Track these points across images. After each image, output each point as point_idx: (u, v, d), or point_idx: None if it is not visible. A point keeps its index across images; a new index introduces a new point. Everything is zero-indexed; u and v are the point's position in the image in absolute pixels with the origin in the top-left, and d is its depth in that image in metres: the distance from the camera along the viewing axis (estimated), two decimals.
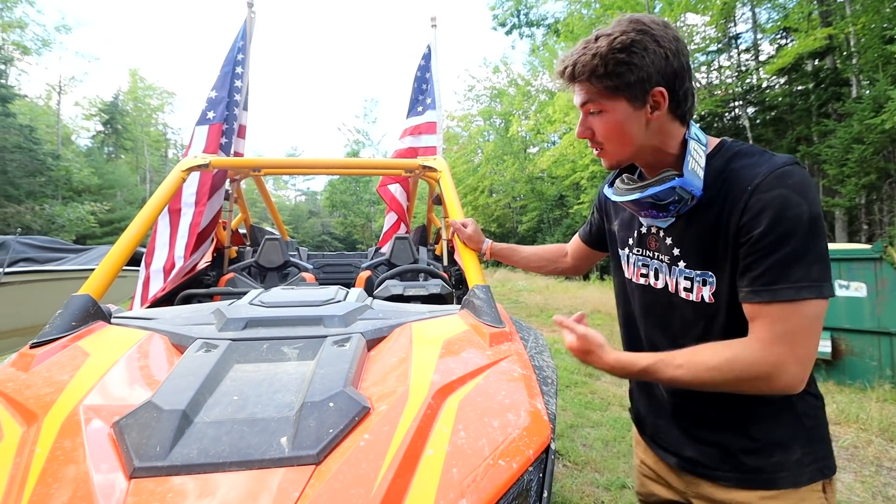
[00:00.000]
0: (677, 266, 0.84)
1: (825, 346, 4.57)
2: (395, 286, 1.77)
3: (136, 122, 31.33)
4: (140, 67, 47.65)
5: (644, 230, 0.91)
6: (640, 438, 1.01)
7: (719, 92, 13.41)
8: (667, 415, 0.89)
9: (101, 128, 29.75)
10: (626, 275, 0.97)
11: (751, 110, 13.15)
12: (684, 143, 0.81)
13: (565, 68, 0.80)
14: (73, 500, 0.55)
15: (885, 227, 9.85)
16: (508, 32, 17.86)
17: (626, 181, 0.88)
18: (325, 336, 0.99)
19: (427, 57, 3.58)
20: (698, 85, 14.28)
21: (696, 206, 0.79)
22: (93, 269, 1.30)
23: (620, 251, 0.99)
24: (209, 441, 0.64)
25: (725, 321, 0.77)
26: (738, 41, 14.02)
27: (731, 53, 14.33)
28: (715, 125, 13.88)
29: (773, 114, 12.93)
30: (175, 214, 2.39)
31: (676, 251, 0.83)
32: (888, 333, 4.28)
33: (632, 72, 0.75)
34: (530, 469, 0.68)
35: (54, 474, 0.59)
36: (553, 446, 0.74)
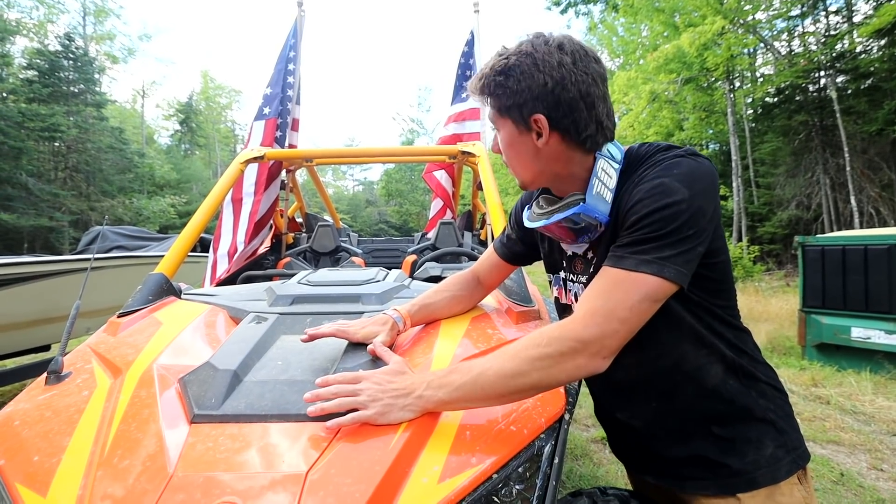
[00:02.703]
0: None
1: None
2: (434, 268, 1.83)
3: (208, 120, 33.84)
4: (210, 69, 51.14)
5: (570, 252, 0.89)
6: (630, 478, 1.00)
7: (802, 61, 12.08)
8: (640, 440, 0.87)
9: (178, 127, 32.46)
10: (557, 296, 0.96)
11: (840, 79, 11.76)
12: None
13: (472, 85, 0.81)
14: (146, 437, 0.67)
15: None
16: (563, 11, 17.18)
17: (541, 205, 0.86)
18: (362, 312, 1.07)
19: (470, 43, 3.58)
20: (777, 56, 12.99)
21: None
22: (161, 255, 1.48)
23: (550, 274, 0.97)
24: (255, 397, 0.73)
25: (647, 332, 0.72)
26: (827, 2, 12.52)
27: (818, 16, 12.84)
28: (796, 98, 12.61)
29: (867, 82, 11.47)
30: (237, 204, 2.62)
31: (593, 268, 0.82)
32: None
33: (507, 95, 0.75)
34: (541, 436, 0.71)
35: (134, 417, 0.72)
36: (567, 417, 0.77)
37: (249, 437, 0.66)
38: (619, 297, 0.67)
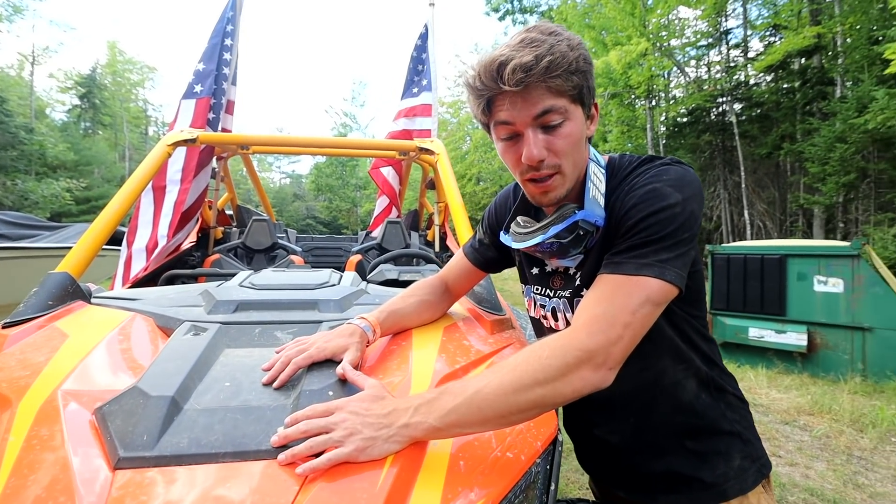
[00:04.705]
0: (580, 297, 0.78)
1: (801, 340, 4.72)
2: (390, 270, 1.73)
3: (115, 98, 30.15)
4: (119, 40, 45.72)
5: (549, 268, 0.86)
6: (592, 489, 0.99)
7: (708, 87, 13.51)
8: (615, 455, 0.85)
9: (77, 102, 28.57)
10: (530, 312, 0.93)
11: (738, 106, 13.29)
12: (584, 169, 0.75)
13: (519, 67, 0.62)
14: (51, 492, 0.51)
15: (860, 225, 10.14)
16: (502, 18, 17.60)
17: (521, 224, 0.80)
18: (321, 321, 0.95)
19: (424, 37, 3.48)
20: (687, 79, 14.37)
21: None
22: (70, 247, 1.24)
23: (523, 285, 0.94)
24: (201, 430, 0.60)
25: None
26: (729, 37, 14.09)
27: (721, 49, 14.41)
28: (703, 120, 14.02)
29: (759, 111, 13.09)
30: (159, 192, 2.30)
31: (578, 281, 0.79)
32: (861, 328, 4.42)
33: (591, 75, 0.69)
34: (538, 461, 0.66)
35: (30, 465, 0.55)
36: (560, 438, 0.72)
37: (196, 484, 0.53)
38: (620, 302, 0.64)
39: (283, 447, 0.58)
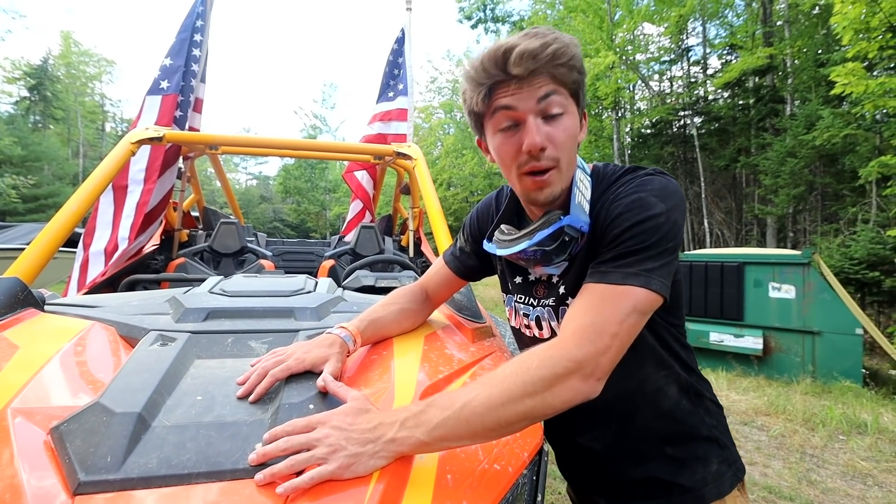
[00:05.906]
0: (565, 306, 0.78)
1: (757, 343, 4.96)
2: (367, 277, 1.69)
3: (69, 91, 28.47)
4: (75, 31, 43.40)
5: (532, 277, 0.86)
6: (570, 495, 1.00)
7: (670, 100, 14.12)
8: (597, 463, 0.86)
9: (26, 93, 26.84)
10: (511, 321, 0.93)
11: (698, 120, 13.93)
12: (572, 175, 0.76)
13: (526, 52, 0.63)
14: None
15: (808, 235, 10.79)
16: (474, 26, 17.81)
17: (505, 231, 0.80)
18: (298, 330, 0.92)
19: (400, 41, 3.46)
20: (652, 92, 14.96)
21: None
22: (16, 248, 1.15)
23: (504, 294, 0.94)
24: (171, 448, 0.56)
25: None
26: (690, 54, 14.79)
27: (683, 65, 15.10)
28: (666, 132, 14.62)
29: (717, 125, 13.77)
30: (120, 191, 2.17)
31: (562, 290, 0.79)
32: (811, 332, 4.68)
33: (584, 83, 0.71)
34: (525, 472, 0.65)
35: None
36: (546, 447, 0.71)
37: None
38: (608, 311, 0.64)
39: (262, 465, 0.55)
